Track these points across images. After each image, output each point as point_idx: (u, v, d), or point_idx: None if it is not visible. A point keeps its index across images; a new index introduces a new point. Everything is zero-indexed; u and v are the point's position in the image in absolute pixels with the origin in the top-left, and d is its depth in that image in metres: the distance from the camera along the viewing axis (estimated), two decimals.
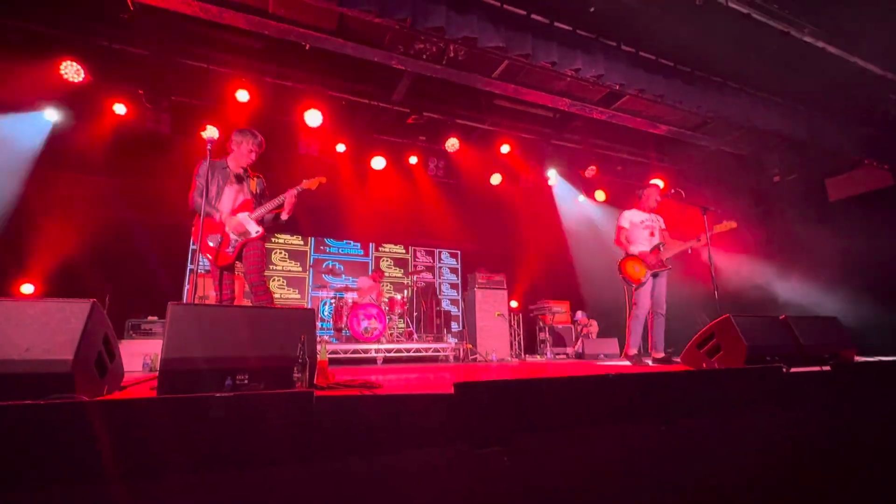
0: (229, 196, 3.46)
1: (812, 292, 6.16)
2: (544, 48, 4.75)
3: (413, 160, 7.69)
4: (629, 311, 4.46)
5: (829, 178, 6.69)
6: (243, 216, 3.43)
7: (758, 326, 3.01)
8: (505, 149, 7.34)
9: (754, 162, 7.41)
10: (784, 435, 2.31)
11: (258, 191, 3.60)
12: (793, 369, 2.61)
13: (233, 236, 3.39)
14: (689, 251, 4.53)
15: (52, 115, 5.91)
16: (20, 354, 1.53)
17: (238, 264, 3.49)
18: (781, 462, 2.21)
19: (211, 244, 3.35)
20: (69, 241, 5.99)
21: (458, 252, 9.71)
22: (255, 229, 3.43)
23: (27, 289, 5.73)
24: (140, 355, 4.77)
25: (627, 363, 4.35)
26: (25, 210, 5.92)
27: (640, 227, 4.62)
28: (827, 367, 2.68)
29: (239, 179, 3.51)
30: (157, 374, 1.74)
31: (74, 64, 5.10)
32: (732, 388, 2.35)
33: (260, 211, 3.47)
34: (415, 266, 9.21)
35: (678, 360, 3.68)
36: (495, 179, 8.29)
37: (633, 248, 4.54)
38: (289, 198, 3.46)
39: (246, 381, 1.74)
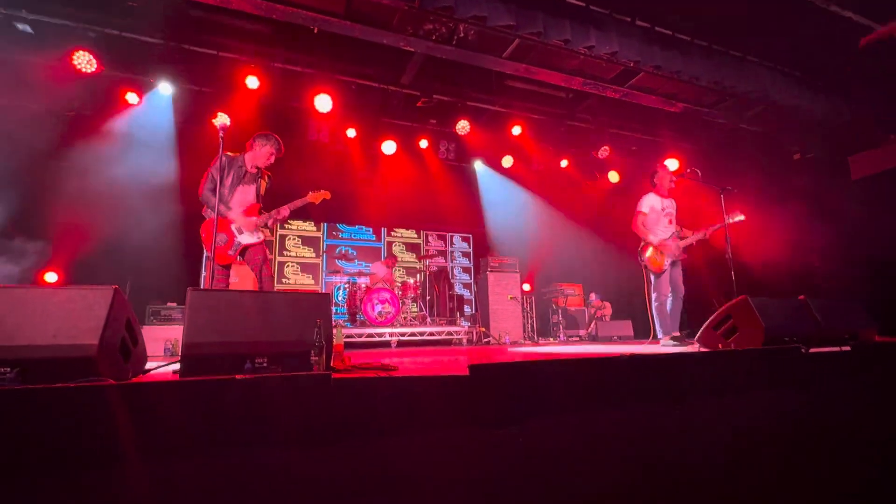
0: (241, 196, 3.50)
1: (834, 273, 6.02)
2: (556, 26, 4.64)
3: (423, 144, 7.64)
4: (650, 300, 4.41)
5: (853, 155, 6.47)
6: (251, 220, 3.49)
7: (776, 307, 2.96)
8: (516, 130, 7.23)
9: (773, 139, 7.20)
10: (803, 416, 2.30)
11: (265, 192, 3.67)
12: (812, 350, 2.57)
13: (237, 238, 3.44)
14: (707, 236, 4.45)
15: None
16: (47, 340, 1.58)
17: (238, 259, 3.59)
18: (800, 443, 2.20)
19: (217, 243, 3.38)
20: (89, 229, 6.11)
21: (470, 236, 9.69)
22: (258, 236, 3.51)
23: (51, 277, 5.89)
24: (161, 340, 4.91)
25: (660, 347, 4.33)
26: (48, 201, 6.05)
27: (661, 214, 4.51)
28: (847, 348, 2.64)
29: (252, 179, 3.57)
30: (178, 358, 1.78)
31: (87, 54, 5.13)
32: (749, 369, 2.33)
33: (265, 218, 3.53)
34: (427, 250, 9.23)
35: (693, 341, 3.65)
36: (507, 162, 8.21)
37: (653, 237, 4.45)
38: (283, 210, 3.59)
39: (265, 365, 1.77)
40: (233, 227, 3.43)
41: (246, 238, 3.46)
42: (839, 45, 5.26)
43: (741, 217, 4.36)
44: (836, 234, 6.13)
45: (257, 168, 3.58)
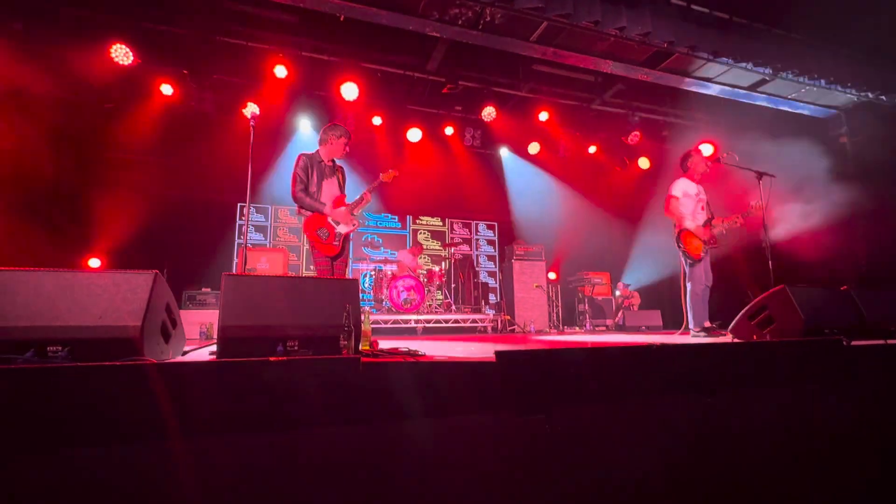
0: (328, 190, 3.62)
1: (883, 262, 5.71)
2: (586, 6, 4.51)
3: (449, 131, 7.60)
4: (685, 289, 4.29)
5: None
6: (342, 210, 3.60)
7: (816, 298, 2.84)
8: (543, 116, 7.10)
9: (818, 122, 6.82)
10: (844, 412, 2.21)
11: (344, 183, 3.77)
12: (854, 343, 2.46)
13: (336, 229, 3.55)
14: (739, 223, 4.26)
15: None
16: (94, 321, 1.66)
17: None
18: (840, 440, 2.12)
19: (321, 237, 3.50)
20: (128, 218, 6.37)
21: (495, 224, 9.63)
22: (353, 224, 3.63)
23: (94, 262, 6.18)
24: (197, 324, 5.09)
25: (690, 337, 4.22)
26: (89, 191, 6.32)
27: (694, 200, 4.35)
28: (893, 341, 2.52)
29: (332, 172, 3.68)
30: (214, 340, 1.85)
31: (123, 47, 5.29)
32: (786, 361, 2.25)
33: (352, 205, 3.64)
34: (452, 238, 9.23)
35: (726, 332, 3.55)
36: (533, 149, 8.07)
37: (689, 222, 4.30)
38: (366, 194, 3.70)
39: (296, 348, 1.82)
40: (330, 221, 3.55)
41: (343, 228, 3.58)
42: (893, 20, 4.92)
43: (758, 211, 4.14)
44: (886, 221, 5.80)
45: (332, 161, 3.70)
